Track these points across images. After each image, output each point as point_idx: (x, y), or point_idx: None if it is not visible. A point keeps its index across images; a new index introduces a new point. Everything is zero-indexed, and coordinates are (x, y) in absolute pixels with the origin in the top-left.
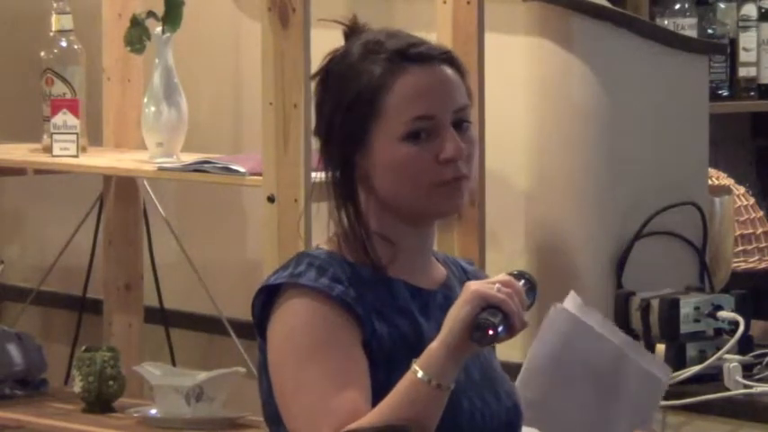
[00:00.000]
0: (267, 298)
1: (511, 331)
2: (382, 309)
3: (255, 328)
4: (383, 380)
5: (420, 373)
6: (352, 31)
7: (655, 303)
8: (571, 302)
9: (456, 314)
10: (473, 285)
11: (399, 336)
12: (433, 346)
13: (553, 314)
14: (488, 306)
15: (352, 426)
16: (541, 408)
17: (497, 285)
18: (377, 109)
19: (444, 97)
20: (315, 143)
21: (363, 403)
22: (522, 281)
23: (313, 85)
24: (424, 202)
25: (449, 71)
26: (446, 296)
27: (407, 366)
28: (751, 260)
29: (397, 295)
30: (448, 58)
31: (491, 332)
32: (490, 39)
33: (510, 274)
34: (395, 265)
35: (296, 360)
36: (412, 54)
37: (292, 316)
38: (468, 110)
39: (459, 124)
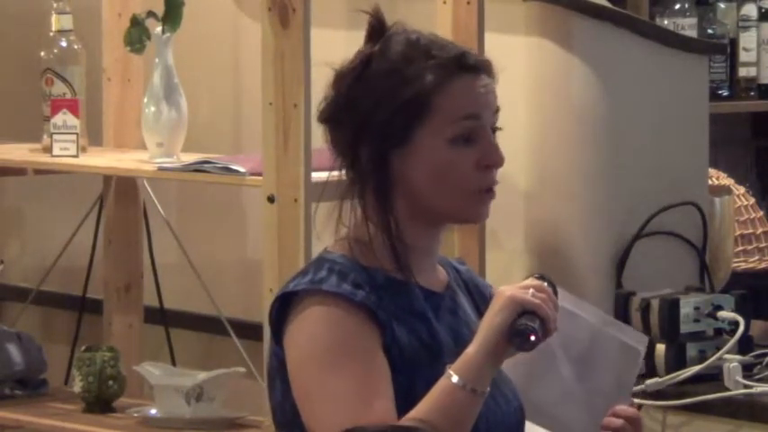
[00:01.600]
0: (285, 303)
1: (546, 336)
2: (400, 313)
3: (272, 334)
4: (405, 385)
5: (455, 378)
6: (380, 25)
7: (655, 303)
8: None
9: (492, 320)
10: (508, 291)
11: (418, 340)
12: (470, 351)
13: None
14: (524, 312)
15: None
16: (525, 395)
17: (531, 291)
18: (427, 110)
19: (488, 102)
20: (315, 143)
21: (393, 412)
22: (546, 284)
23: (313, 82)
24: (458, 207)
25: (489, 80)
26: (452, 298)
27: (428, 370)
28: (751, 260)
29: (414, 299)
30: (490, 68)
31: (533, 337)
32: (490, 39)
33: (534, 278)
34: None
35: (321, 369)
36: (465, 64)
37: (315, 323)
38: (498, 115)
39: (493, 130)
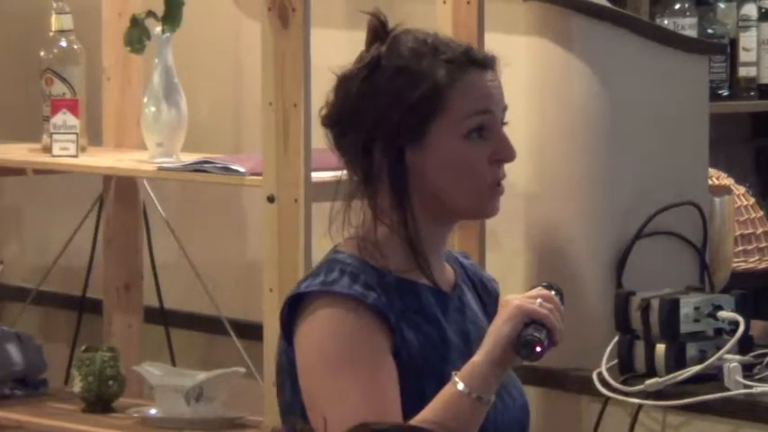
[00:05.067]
0: (297, 304)
1: (552, 346)
2: (409, 315)
3: (282, 334)
4: (413, 386)
5: (461, 386)
6: (383, 26)
7: (655, 303)
8: None
9: (499, 330)
10: (515, 301)
11: (427, 342)
12: (477, 360)
13: None
14: (532, 321)
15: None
16: None
17: (539, 300)
18: (440, 106)
19: (499, 96)
20: (315, 143)
21: (399, 415)
22: (553, 292)
23: (313, 83)
24: (474, 202)
25: (495, 75)
26: (460, 298)
27: (436, 372)
28: (751, 260)
29: (423, 300)
30: (495, 63)
31: (539, 348)
32: (490, 39)
33: (542, 287)
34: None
35: (330, 370)
36: (474, 58)
37: (326, 325)
38: (506, 111)
39: (501, 125)
